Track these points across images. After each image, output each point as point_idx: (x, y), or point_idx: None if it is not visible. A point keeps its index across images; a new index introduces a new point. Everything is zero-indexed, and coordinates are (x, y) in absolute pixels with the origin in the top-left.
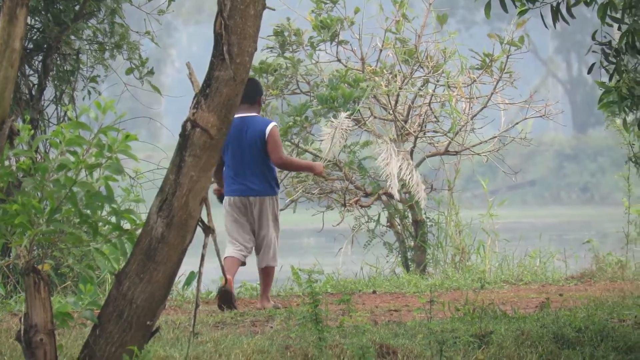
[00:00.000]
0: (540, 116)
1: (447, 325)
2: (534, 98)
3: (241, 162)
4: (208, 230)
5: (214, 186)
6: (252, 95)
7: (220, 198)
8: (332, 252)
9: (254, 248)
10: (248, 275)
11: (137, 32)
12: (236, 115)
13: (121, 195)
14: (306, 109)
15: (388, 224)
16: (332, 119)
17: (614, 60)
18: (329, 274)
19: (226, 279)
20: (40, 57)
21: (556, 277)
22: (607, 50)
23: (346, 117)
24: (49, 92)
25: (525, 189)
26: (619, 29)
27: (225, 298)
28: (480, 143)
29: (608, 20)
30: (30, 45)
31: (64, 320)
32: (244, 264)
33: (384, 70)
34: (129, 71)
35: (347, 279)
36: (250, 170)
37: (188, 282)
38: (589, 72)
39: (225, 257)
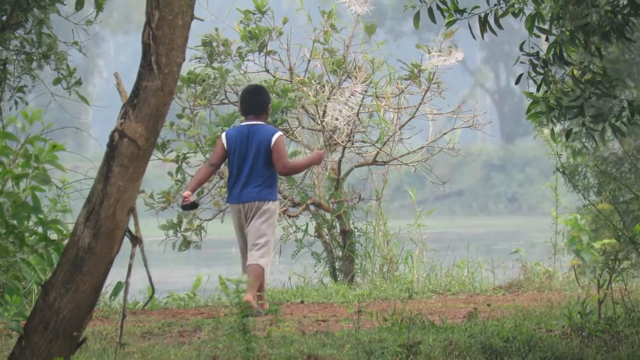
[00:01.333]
0: (468, 126)
1: (375, 336)
2: (462, 108)
3: (245, 169)
4: (135, 240)
5: (183, 194)
6: (259, 103)
7: (185, 207)
8: None
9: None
10: (174, 286)
11: (64, 42)
12: (243, 123)
13: (48, 205)
14: (234, 119)
15: (316, 233)
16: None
17: (542, 71)
18: None
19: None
20: None
21: (484, 287)
22: (535, 61)
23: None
24: None
25: (453, 199)
26: (547, 39)
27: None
28: (409, 153)
29: (536, 31)
30: None
31: None
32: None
33: (312, 81)
34: (57, 81)
35: (275, 289)
36: (253, 177)
37: (115, 293)
38: (516, 83)
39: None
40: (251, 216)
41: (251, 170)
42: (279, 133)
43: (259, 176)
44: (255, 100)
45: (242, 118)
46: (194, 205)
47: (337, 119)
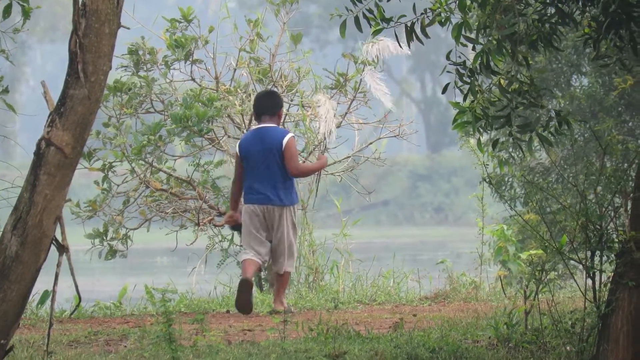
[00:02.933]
0: (394, 136)
1: (301, 345)
2: (388, 118)
3: (260, 171)
4: (62, 249)
5: (228, 214)
6: (273, 107)
7: (235, 227)
8: (185, 271)
9: (269, 255)
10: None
11: None
12: (256, 126)
13: None
14: (160, 128)
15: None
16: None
17: (468, 81)
18: (182, 293)
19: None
20: None
21: (410, 297)
22: (462, 71)
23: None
24: None
25: (379, 209)
26: (474, 49)
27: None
28: (334, 163)
29: (462, 40)
30: None
31: None
32: (260, 269)
33: (238, 90)
34: None
35: (200, 298)
36: (268, 179)
37: (42, 301)
38: (443, 92)
39: (243, 260)
40: (272, 221)
41: (266, 172)
42: (291, 134)
43: (275, 179)
44: (268, 102)
45: (172, 126)
46: (239, 226)
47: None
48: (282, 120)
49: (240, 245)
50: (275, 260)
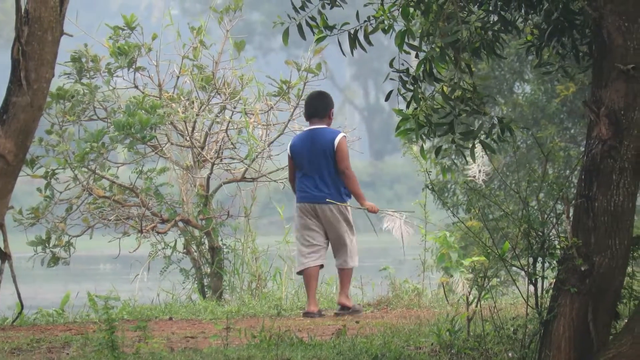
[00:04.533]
0: None
1: (244, 352)
2: (331, 125)
3: (312, 171)
4: (4, 256)
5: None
6: (323, 108)
7: None
8: (128, 279)
9: (328, 249)
10: (43, 302)
11: None
12: (308, 128)
13: None
14: (103, 135)
15: (184, 250)
16: None
17: (412, 88)
18: (125, 300)
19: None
20: None
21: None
22: (405, 78)
23: None
24: None
25: None
26: (417, 56)
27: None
28: (277, 170)
29: (405, 47)
30: None
31: None
32: (322, 266)
33: (182, 97)
34: None
35: (143, 306)
36: (320, 178)
37: None
38: (386, 100)
39: (304, 270)
40: (326, 219)
41: (318, 172)
42: (342, 134)
43: (326, 178)
44: (319, 104)
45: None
46: None
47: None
48: (331, 121)
49: (183, 252)
50: (336, 257)
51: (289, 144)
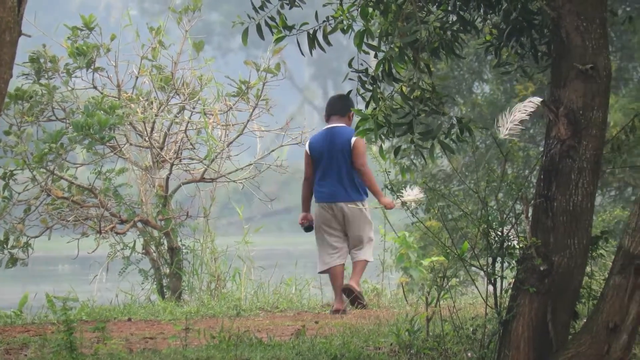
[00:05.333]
0: (297, 143)
1: (203, 353)
2: (290, 125)
3: (331, 169)
4: None
5: (301, 216)
6: (343, 108)
7: (308, 228)
8: (87, 279)
9: (346, 248)
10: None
11: None
12: (327, 126)
13: None
14: (61, 135)
15: (144, 251)
16: None
17: (370, 88)
18: (83, 301)
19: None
20: None
21: (312, 304)
22: (364, 78)
23: None
24: None
25: (281, 216)
26: (376, 56)
27: (352, 300)
28: (236, 170)
29: (365, 47)
30: None
31: None
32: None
33: (140, 97)
34: None
35: (102, 306)
36: (339, 177)
37: None
38: None
39: (329, 270)
40: (344, 217)
41: (337, 171)
42: None
43: (344, 177)
44: (339, 104)
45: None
46: (312, 228)
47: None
48: (351, 122)
49: (142, 253)
50: (357, 250)
51: (307, 142)
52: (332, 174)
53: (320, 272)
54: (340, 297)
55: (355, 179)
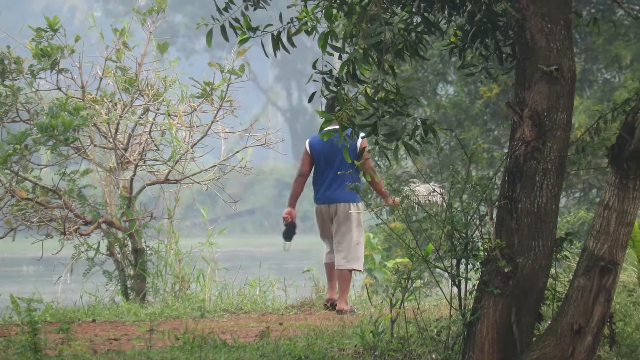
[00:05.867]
0: (261, 145)
1: (167, 354)
2: (254, 127)
3: (328, 169)
4: None
5: (286, 210)
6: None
7: (288, 225)
8: (51, 281)
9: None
10: None
11: None
12: (328, 128)
13: None
14: (26, 137)
15: (108, 252)
16: None
17: (335, 89)
18: (48, 302)
19: None
20: None
21: (276, 305)
22: (328, 79)
23: None
24: None
25: (245, 218)
26: (340, 57)
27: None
28: (201, 172)
29: (329, 49)
30: None
31: None
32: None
33: (105, 99)
34: None
35: (66, 308)
36: (337, 179)
37: None
38: (309, 101)
39: (325, 263)
40: (336, 218)
41: (334, 172)
42: (362, 135)
43: (343, 179)
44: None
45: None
46: (293, 225)
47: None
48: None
49: (106, 254)
50: (336, 256)
51: (308, 141)
52: (328, 174)
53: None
54: (332, 289)
55: (352, 180)
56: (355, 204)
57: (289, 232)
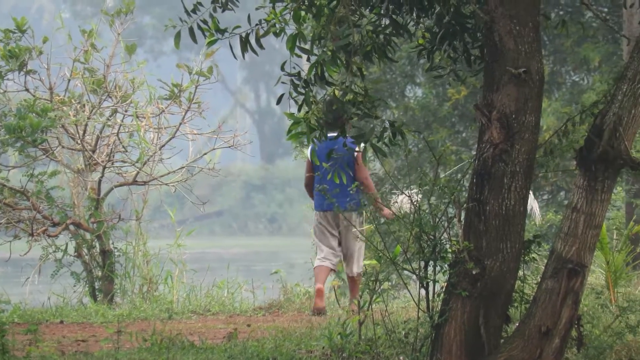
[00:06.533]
0: (229, 146)
1: (135, 356)
2: (222, 128)
3: (330, 178)
4: None
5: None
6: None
7: None
8: (19, 282)
9: (341, 257)
10: None
11: None
12: (328, 135)
13: None
14: None
15: (76, 253)
16: None
17: (303, 91)
18: (16, 303)
19: None
20: None
21: (244, 307)
22: (296, 81)
23: None
24: None
25: (212, 219)
26: (308, 60)
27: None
28: (169, 173)
29: (297, 51)
30: None
31: None
32: (334, 270)
33: (73, 100)
34: None
35: (34, 309)
36: (338, 186)
37: None
38: (277, 103)
39: (315, 267)
40: (340, 226)
41: (335, 180)
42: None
43: (343, 186)
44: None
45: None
46: None
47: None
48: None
49: (74, 255)
50: (346, 264)
51: (309, 150)
52: (331, 182)
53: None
54: (318, 296)
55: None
56: (356, 212)
57: None
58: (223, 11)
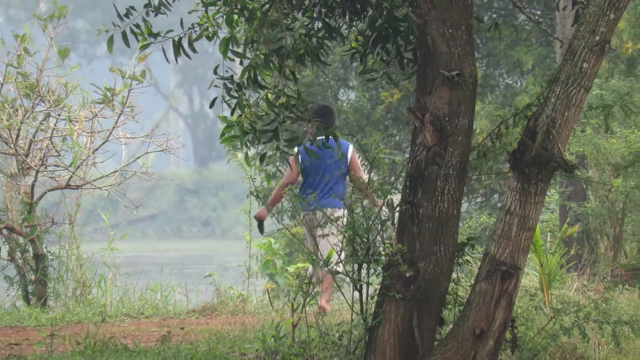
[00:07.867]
0: (162, 150)
1: (68, 359)
2: (155, 132)
3: (316, 178)
4: None
5: (262, 208)
6: (333, 119)
7: (260, 220)
8: None
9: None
10: None
11: None
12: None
13: None
14: None
15: (9, 257)
16: None
17: (236, 95)
18: None
19: None
20: None
21: (177, 310)
22: (229, 85)
23: None
24: None
25: (146, 223)
26: (241, 63)
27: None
28: (102, 177)
29: (230, 54)
30: None
31: None
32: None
33: (6, 105)
34: None
35: None
36: (326, 186)
37: None
38: (210, 107)
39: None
40: (322, 224)
41: (322, 180)
42: (351, 145)
43: (335, 186)
44: (330, 113)
45: None
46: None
47: None
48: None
49: (7, 259)
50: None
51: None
52: (317, 183)
53: None
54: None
55: (339, 188)
56: (339, 209)
57: (260, 222)
58: (156, 15)
